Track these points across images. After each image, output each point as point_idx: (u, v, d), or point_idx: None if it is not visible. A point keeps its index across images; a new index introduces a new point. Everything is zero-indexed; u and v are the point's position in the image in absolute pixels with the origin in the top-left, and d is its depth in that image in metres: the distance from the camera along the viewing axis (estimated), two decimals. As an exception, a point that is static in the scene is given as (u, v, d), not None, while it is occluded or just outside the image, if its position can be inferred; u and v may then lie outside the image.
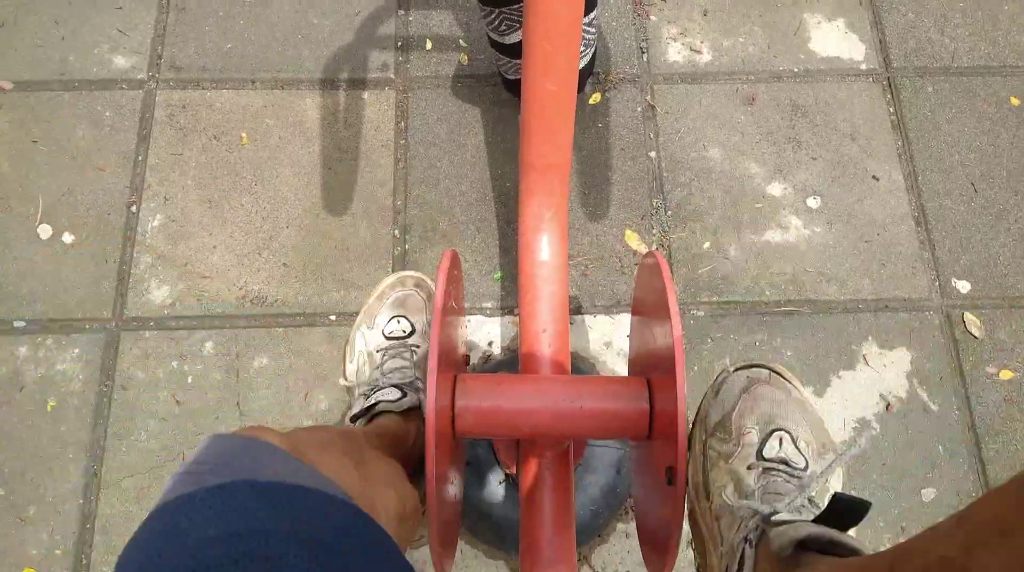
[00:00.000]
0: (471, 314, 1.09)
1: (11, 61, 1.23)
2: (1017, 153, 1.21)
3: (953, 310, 1.11)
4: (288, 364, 1.06)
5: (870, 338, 1.09)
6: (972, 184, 1.19)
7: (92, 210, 1.14)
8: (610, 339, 1.08)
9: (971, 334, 1.10)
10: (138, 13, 1.27)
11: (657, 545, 0.59)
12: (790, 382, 0.63)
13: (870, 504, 0.46)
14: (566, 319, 0.79)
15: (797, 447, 0.56)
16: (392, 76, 1.24)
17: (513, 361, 1.04)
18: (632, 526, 0.99)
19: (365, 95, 1.22)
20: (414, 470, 0.67)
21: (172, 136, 1.19)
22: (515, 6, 0.92)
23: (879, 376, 1.07)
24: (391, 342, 0.77)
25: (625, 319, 1.09)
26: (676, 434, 0.52)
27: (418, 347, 0.78)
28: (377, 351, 0.77)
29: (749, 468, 0.55)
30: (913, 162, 1.20)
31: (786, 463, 0.55)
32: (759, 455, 0.56)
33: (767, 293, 1.11)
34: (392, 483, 0.52)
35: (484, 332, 1.08)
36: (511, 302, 1.10)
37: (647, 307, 0.66)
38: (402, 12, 1.29)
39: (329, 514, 0.35)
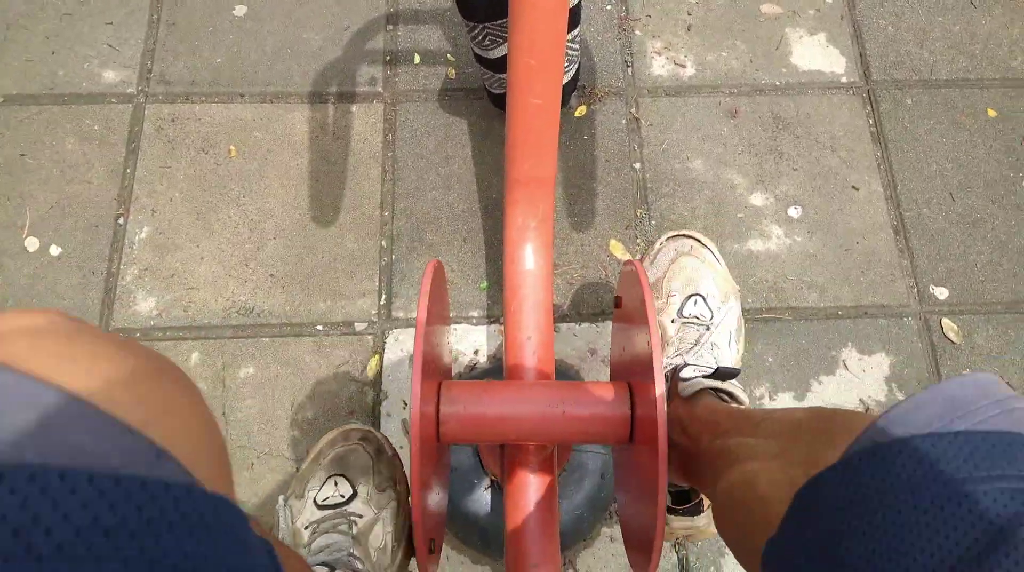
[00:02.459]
0: (457, 323, 1.11)
1: (1, 75, 1.23)
2: (994, 163, 1.23)
3: (931, 316, 1.13)
4: (274, 374, 1.07)
5: (850, 344, 1.11)
6: (950, 193, 1.21)
7: (80, 222, 1.15)
8: (595, 346, 1.09)
9: (949, 339, 1.12)
10: (128, 28, 1.28)
11: (641, 547, 0.61)
12: (707, 247, 0.82)
13: (739, 371, 0.70)
14: (551, 327, 0.80)
15: (707, 304, 0.77)
16: (380, 90, 1.25)
17: (499, 369, 1.05)
18: (617, 530, 1.00)
19: (353, 108, 1.24)
20: None
21: (160, 149, 1.20)
22: (499, 22, 0.94)
23: (859, 381, 1.09)
24: (324, 512, 0.65)
25: (609, 327, 1.10)
26: (657, 438, 0.54)
27: (359, 517, 0.64)
28: (305, 527, 0.64)
29: (672, 321, 0.77)
30: (892, 172, 1.22)
31: (697, 317, 0.77)
32: (679, 313, 0.77)
33: (749, 300, 1.13)
34: (189, 408, 0.31)
35: (470, 341, 1.09)
36: (497, 311, 1.11)
37: (627, 314, 0.67)
38: (391, 27, 1.30)
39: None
